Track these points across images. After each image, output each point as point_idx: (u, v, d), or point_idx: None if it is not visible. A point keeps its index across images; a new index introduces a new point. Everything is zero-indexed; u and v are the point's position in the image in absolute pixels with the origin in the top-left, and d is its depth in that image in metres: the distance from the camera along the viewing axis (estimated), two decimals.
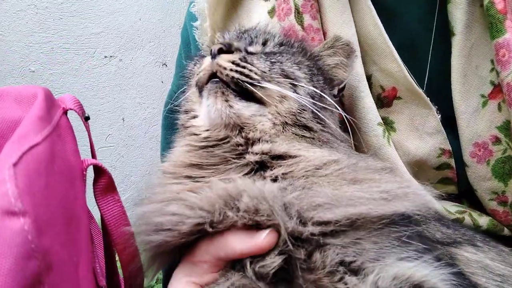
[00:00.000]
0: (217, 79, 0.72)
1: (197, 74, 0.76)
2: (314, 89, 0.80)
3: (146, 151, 2.18)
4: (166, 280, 0.80)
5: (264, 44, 0.86)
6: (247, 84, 0.71)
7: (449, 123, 0.96)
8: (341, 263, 0.57)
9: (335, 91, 0.94)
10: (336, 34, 0.92)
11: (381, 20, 0.98)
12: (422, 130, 0.98)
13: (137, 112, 2.12)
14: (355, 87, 0.96)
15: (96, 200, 0.69)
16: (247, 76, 0.71)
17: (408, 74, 0.93)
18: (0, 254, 0.45)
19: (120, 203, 0.71)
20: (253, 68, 0.72)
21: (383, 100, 1.00)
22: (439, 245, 0.73)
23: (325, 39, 0.98)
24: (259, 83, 0.72)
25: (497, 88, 0.91)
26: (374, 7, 0.98)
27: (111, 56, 2.03)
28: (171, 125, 0.96)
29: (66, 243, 0.54)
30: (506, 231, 0.99)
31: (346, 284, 0.57)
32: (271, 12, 1.01)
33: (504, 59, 0.83)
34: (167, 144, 0.96)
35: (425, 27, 0.98)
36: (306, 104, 0.75)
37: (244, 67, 0.72)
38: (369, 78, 1.00)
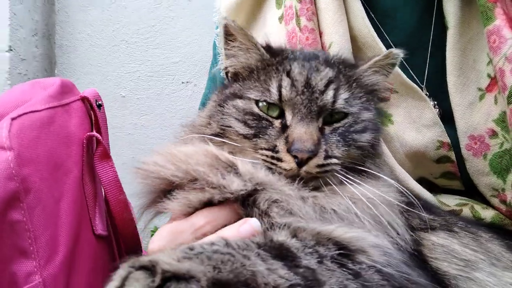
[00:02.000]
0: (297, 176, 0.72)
1: (273, 161, 0.73)
2: (374, 136, 0.81)
3: None
4: None
5: (335, 98, 0.77)
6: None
7: (451, 117, 0.97)
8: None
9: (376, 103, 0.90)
10: (390, 50, 0.85)
11: (380, 21, 1.06)
12: (419, 122, 1.01)
13: None
14: None
15: (94, 164, 0.89)
16: (330, 171, 0.73)
17: (398, 69, 0.98)
18: None
19: (113, 168, 0.90)
20: (333, 161, 0.73)
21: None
22: (412, 231, 0.77)
23: (321, 39, 1.06)
24: (336, 172, 0.73)
25: (493, 80, 0.92)
26: (374, 9, 1.07)
27: (187, 82, 2.34)
28: None
29: (48, 180, 0.74)
30: None
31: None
32: (281, 18, 1.13)
33: (495, 45, 0.85)
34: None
35: (424, 25, 1.03)
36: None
37: (327, 165, 0.72)
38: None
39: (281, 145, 0.73)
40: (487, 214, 0.96)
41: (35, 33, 2.22)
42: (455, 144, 0.98)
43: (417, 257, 0.74)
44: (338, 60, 0.85)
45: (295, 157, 0.71)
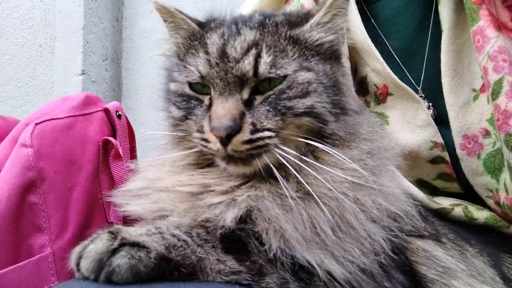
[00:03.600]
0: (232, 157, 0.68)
1: (203, 143, 0.70)
2: (328, 97, 0.72)
3: None
4: None
5: (256, 63, 0.69)
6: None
7: (447, 118, 1.00)
8: None
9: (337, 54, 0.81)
10: None
11: (381, 27, 1.13)
12: (413, 123, 1.04)
13: None
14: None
15: (109, 163, 1.07)
16: (265, 145, 0.67)
17: (391, 72, 1.04)
18: (14, 164, 0.86)
19: (124, 166, 1.07)
20: (265, 135, 0.66)
21: (379, 97, 1.11)
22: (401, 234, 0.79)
23: None
24: (276, 147, 0.67)
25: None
26: (375, 16, 1.14)
27: None
28: None
29: (61, 172, 0.93)
30: None
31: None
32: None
33: (479, 44, 0.88)
34: None
35: (423, 30, 1.07)
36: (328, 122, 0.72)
37: (258, 139, 0.66)
38: (365, 78, 1.12)
39: (206, 125, 0.68)
40: (481, 214, 0.97)
41: (105, 58, 2.54)
42: (450, 145, 0.99)
43: (401, 259, 0.76)
44: (265, 19, 0.75)
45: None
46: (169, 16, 0.79)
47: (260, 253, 0.63)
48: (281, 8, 1.32)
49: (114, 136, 1.13)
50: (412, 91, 1.03)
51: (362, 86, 1.14)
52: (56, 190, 0.91)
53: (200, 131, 0.70)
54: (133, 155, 1.19)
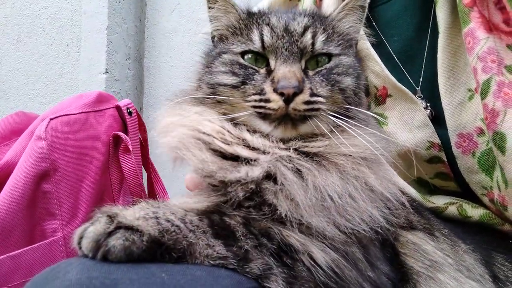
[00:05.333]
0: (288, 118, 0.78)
1: (262, 103, 0.78)
2: (356, 83, 0.87)
3: None
4: None
5: (313, 40, 0.84)
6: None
7: (444, 118, 1.02)
8: None
9: (355, 50, 0.99)
10: None
11: (382, 30, 1.16)
12: (411, 124, 1.07)
13: None
14: None
15: (119, 157, 1.15)
16: (317, 109, 0.78)
17: (389, 74, 1.07)
18: (30, 155, 0.95)
19: (133, 160, 1.15)
20: (319, 100, 0.78)
21: (379, 99, 1.14)
22: (391, 227, 0.84)
23: None
24: (324, 112, 0.79)
25: None
26: (376, 19, 1.17)
27: None
28: None
29: (73, 163, 1.02)
30: (507, 225, 0.98)
31: None
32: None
33: (470, 45, 0.90)
34: None
35: (422, 32, 1.10)
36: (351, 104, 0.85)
37: (314, 102, 0.77)
38: (365, 80, 1.13)
39: (267, 87, 0.78)
40: (476, 212, 0.99)
41: (128, 57, 2.64)
42: (448, 144, 1.02)
43: (388, 251, 0.81)
44: (312, 12, 0.93)
45: (281, 94, 0.75)
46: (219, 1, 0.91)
47: (247, 239, 0.68)
48: (293, 4, 1.36)
49: (125, 132, 1.21)
50: (410, 93, 1.05)
51: None
52: (68, 180, 0.99)
53: (260, 93, 0.79)
54: (145, 147, 1.27)
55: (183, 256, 0.65)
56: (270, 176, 0.74)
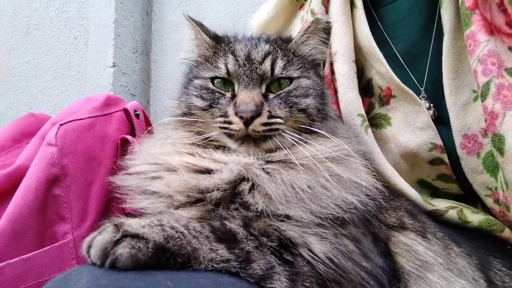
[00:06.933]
0: (249, 137, 0.87)
1: (225, 125, 0.88)
2: (318, 102, 0.95)
3: None
4: None
5: (273, 66, 0.92)
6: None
7: (447, 119, 1.04)
8: None
9: (321, 70, 1.07)
10: (316, 17, 1.01)
11: (387, 31, 1.17)
12: (414, 125, 1.09)
13: None
14: (342, 83, 1.13)
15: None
16: (276, 130, 0.87)
17: (393, 75, 1.08)
18: (41, 161, 0.98)
19: None
20: (277, 121, 0.87)
21: (383, 99, 1.15)
22: (385, 227, 0.90)
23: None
24: (283, 132, 0.87)
25: None
26: (382, 20, 1.19)
27: None
28: None
29: (82, 168, 1.04)
30: (507, 232, 1.00)
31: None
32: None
33: (471, 48, 0.92)
34: None
35: (427, 33, 1.11)
36: (314, 117, 0.93)
37: (272, 124, 0.86)
38: (370, 80, 1.17)
39: (230, 110, 0.88)
40: (475, 218, 1.01)
41: (135, 51, 2.65)
42: (451, 145, 1.03)
43: (382, 247, 0.86)
44: (275, 38, 1.00)
45: (241, 117, 0.85)
46: (195, 30, 1.02)
47: (248, 241, 0.72)
48: (295, 13, 1.38)
49: (133, 134, 1.23)
50: (414, 94, 1.07)
51: (368, 88, 1.19)
52: (77, 184, 1.02)
53: (224, 116, 0.89)
54: None
55: (188, 261, 0.68)
56: (244, 179, 0.82)
